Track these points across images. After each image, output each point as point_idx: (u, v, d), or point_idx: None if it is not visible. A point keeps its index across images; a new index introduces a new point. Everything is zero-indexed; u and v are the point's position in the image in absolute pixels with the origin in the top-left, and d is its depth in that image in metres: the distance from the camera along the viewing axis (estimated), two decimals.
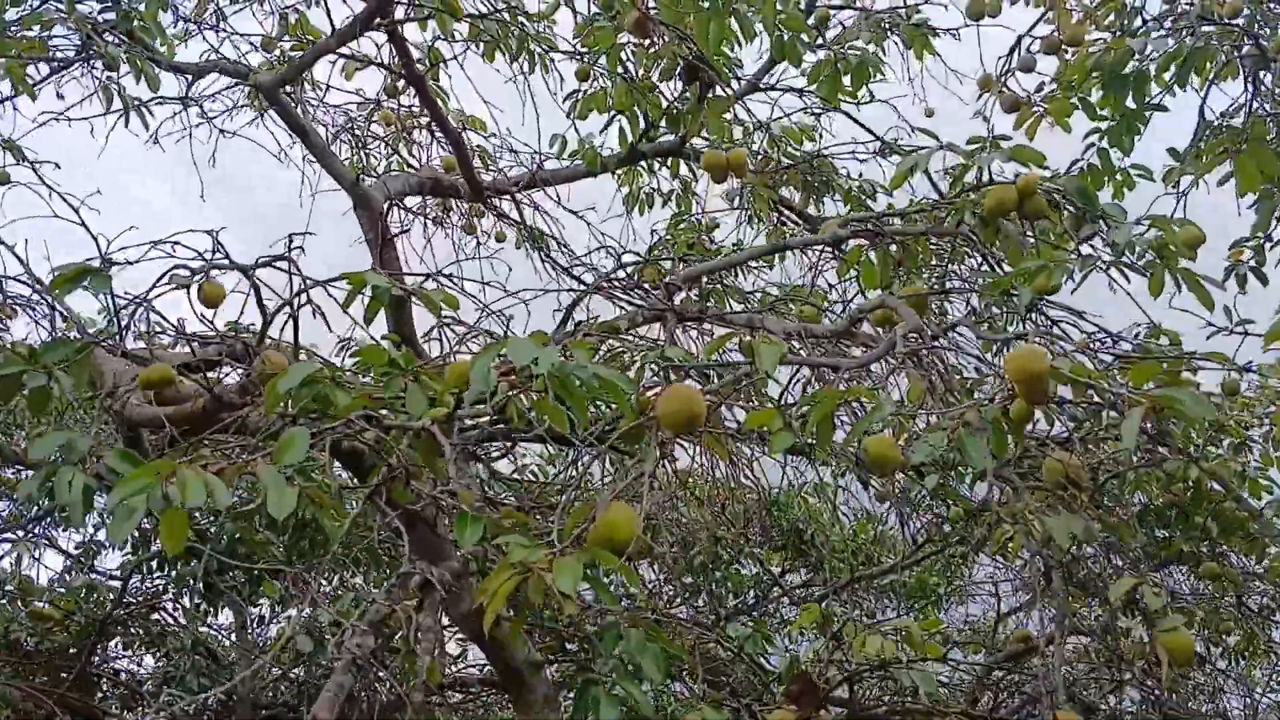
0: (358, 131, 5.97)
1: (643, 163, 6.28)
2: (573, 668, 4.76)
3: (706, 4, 3.88)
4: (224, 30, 5.13)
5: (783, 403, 2.58)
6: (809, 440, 2.56)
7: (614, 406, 2.72)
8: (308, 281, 3.59)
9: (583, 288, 3.87)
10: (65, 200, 4.60)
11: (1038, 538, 3.10)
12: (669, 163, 6.31)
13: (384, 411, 2.80)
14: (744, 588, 8.43)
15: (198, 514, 7.01)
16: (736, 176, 4.17)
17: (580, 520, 2.20)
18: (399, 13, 4.21)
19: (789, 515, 7.99)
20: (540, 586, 2.04)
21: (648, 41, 4.00)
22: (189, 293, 2.99)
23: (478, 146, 6.28)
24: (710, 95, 3.96)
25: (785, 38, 4.25)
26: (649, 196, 6.55)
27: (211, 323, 3.33)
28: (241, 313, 3.09)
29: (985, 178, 3.34)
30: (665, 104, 4.95)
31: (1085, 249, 3.22)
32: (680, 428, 2.31)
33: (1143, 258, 2.96)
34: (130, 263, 2.90)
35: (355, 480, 3.56)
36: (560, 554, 2.08)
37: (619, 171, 6.29)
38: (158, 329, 3.09)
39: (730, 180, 4.67)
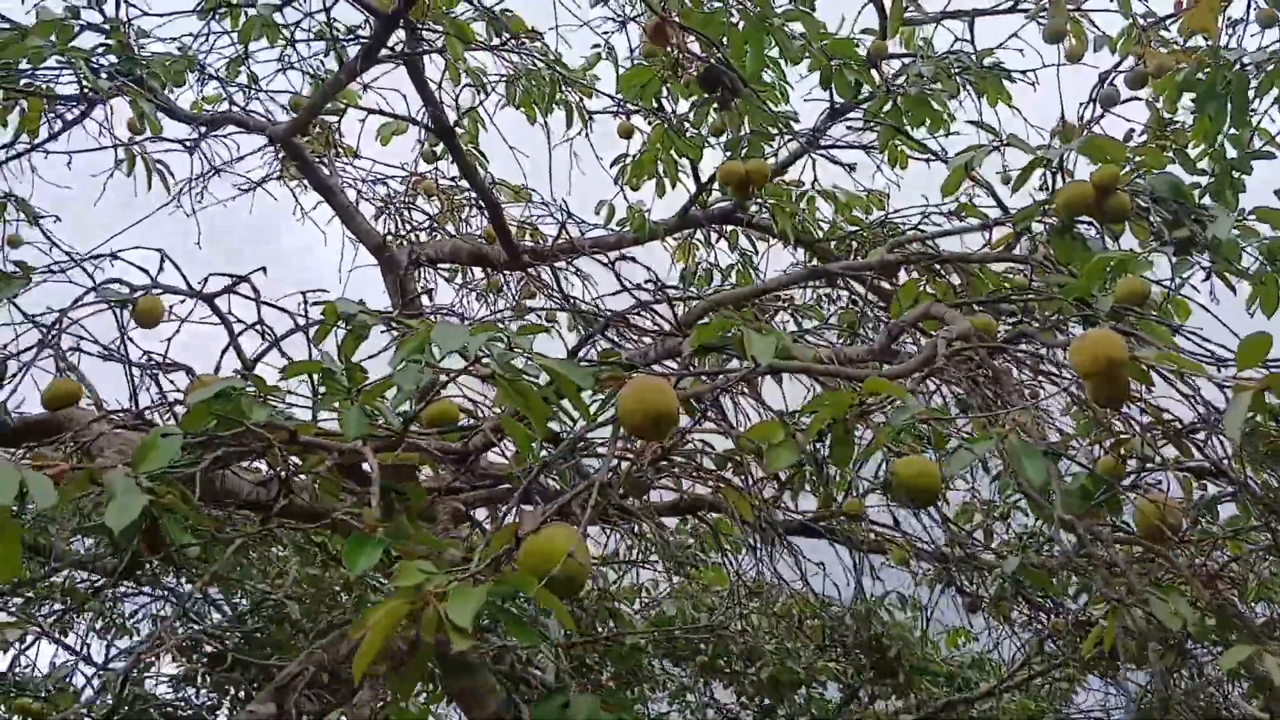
0: (397, 202, 5.68)
1: (699, 233, 5.86)
2: None
3: (738, 19, 3.47)
4: (254, 91, 4.92)
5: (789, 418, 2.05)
6: (818, 452, 2.03)
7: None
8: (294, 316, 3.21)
9: (600, 320, 3.41)
10: (79, 264, 4.38)
11: (1137, 625, 2.48)
12: (727, 233, 5.87)
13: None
14: (830, 715, 7.69)
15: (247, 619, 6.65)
16: (758, 188, 3.70)
17: (504, 543, 1.70)
18: (409, 44, 3.91)
19: (870, 630, 7.27)
20: (434, 621, 1.52)
21: (668, 49, 3.61)
22: (119, 313, 2.60)
23: (526, 222, 5.95)
24: (734, 103, 3.53)
25: (833, 65, 3.83)
26: (708, 272, 6.09)
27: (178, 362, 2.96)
28: (170, 336, 2.67)
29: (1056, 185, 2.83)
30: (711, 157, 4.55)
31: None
32: (644, 429, 1.80)
33: (1238, 249, 2.39)
34: (54, 272, 2.54)
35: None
36: (470, 580, 1.58)
37: (673, 243, 5.88)
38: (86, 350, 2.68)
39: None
